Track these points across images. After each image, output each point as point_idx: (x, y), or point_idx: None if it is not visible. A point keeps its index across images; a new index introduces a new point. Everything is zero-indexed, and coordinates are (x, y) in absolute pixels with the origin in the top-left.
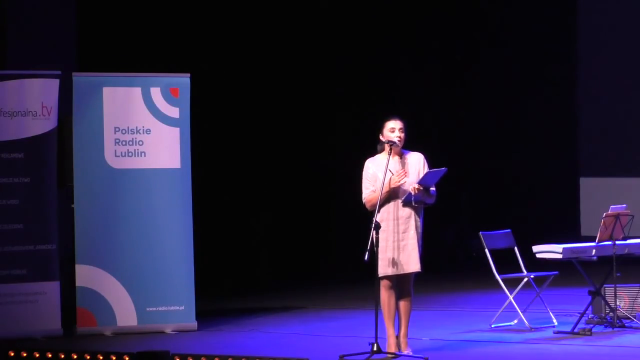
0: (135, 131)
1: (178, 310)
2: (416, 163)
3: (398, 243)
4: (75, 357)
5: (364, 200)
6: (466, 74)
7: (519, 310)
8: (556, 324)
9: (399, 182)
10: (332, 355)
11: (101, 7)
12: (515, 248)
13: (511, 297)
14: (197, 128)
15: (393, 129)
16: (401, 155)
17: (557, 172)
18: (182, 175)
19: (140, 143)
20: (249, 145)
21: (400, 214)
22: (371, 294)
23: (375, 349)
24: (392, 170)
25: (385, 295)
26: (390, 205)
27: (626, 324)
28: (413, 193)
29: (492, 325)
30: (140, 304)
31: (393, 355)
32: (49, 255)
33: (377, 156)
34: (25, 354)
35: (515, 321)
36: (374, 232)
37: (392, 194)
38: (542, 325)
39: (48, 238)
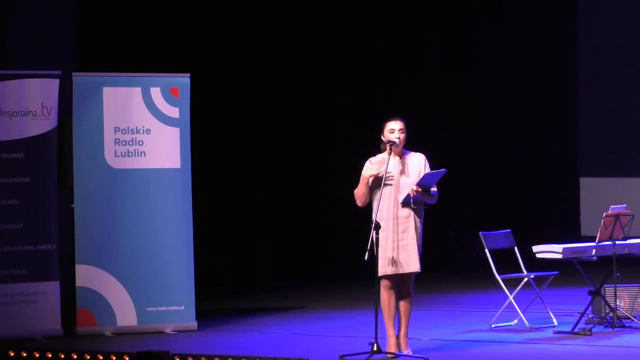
0: (135, 131)
1: (178, 310)
2: (417, 163)
3: (397, 243)
4: (75, 357)
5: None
6: (466, 73)
7: (519, 310)
8: (556, 324)
9: (376, 171)
10: (332, 355)
11: (101, 7)
12: (515, 248)
13: (511, 297)
14: (197, 128)
15: (392, 130)
16: (402, 155)
17: (557, 172)
18: (182, 175)
19: (140, 143)
20: (249, 145)
21: (400, 213)
22: (371, 294)
23: (375, 349)
24: (372, 162)
25: (385, 295)
26: (390, 205)
27: (626, 324)
28: (412, 194)
29: (492, 325)
30: (140, 304)
31: (393, 355)
32: (49, 255)
33: (379, 155)
34: (25, 354)
35: (515, 321)
36: (374, 232)
37: (388, 191)
38: (542, 325)
39: (48, 238)
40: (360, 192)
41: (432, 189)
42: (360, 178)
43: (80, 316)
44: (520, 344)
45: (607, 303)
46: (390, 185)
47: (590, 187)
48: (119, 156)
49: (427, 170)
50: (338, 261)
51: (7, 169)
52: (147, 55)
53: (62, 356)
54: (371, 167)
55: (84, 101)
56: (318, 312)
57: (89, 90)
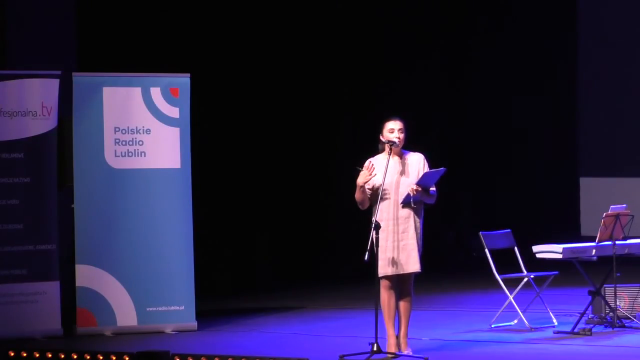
0: (135, 131)
1: (178, 310)
2: (416, 163)
3: (398, 243)
4: (75, 357)
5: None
6: (466, 72)
7: (519, 310)
8: (556, 324)
9: (364, 181)
10: (332, 355)
11: (101, 7)
12: (515, 248)
13: (511, 297)
14: (197, 128)
15: (392, 130)
16: (401, 156)
17: (557, 172)
18: (182, 175)
19: (140, 143)
20: (249, 145)
21: (400, 214)
22: (371, 294)
23: (375, 349)
24: (359, 167)
25: (385, 295)
26: (390, 205)
27: (626, 324)
28: (412, 194)
29: (492, 325)
30: (140, 304)
31: (393, 355)
32: (49, 255)
33: (378, 156)
34: (25, 354)
35: (515, 321)
36: (374, 232)
37: (387, 193)
38: (542, 325)
39: (48, 238)
40: (358, 199)
41: (431, 189)
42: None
43: (80, 316)
44: (520, 344)
45: (607, 303)
46: (386, 194)
47: (590, 187)
48: (119, 156)
49: (426, 169)
50: (338, 261)
51: (7, 169)
52: (147, 55)
53: (62, 356)
54: (362, 174)
55: (84, 101)
56: (318, 312)
57: (89, 90)
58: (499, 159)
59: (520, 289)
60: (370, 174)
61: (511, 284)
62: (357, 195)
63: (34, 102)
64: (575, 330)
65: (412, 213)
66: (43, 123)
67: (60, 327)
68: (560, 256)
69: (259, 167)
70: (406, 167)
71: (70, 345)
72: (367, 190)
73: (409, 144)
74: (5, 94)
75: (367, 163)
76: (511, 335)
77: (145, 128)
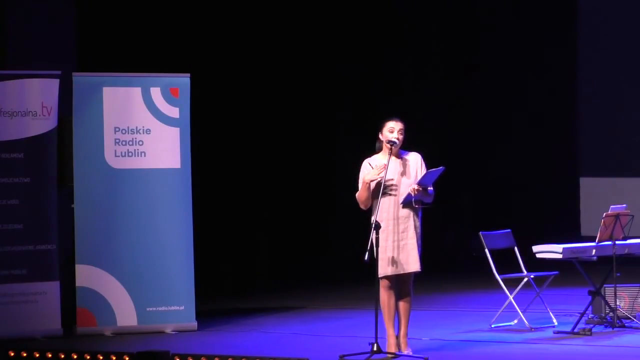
0: (135, 131)
1: (178, 310)
2: (414, 163)
3: (398, 243)
4: (75, 357)
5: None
6: (465, 72)
7: (519, 310)
8: (556, 324)
9: (376, 176)
10: (332, 355)
11: (101, 7)
12: (515, 248)
13: (511, 297)
14: (197, 128)
15: (392, 130)
16: (399, 156)
17: (557, 172)
18: (182, 175)
19: (141, 143)
20: (249, 145)
21: (400, 213)
22: (371, 294)
23: (375, 349)
24: (371, 164)
25: (385, 295)
26: (390, 205)
27: (626, 324)
28: (413, 194)
29: (492, 325)
30: (140, 304)
31: (393, 355)
32: (49, 255)
33: (376, 156)
34: (25, 354)
35: (515, 321)
36: (374, 232)
37: (383, 192)
38: (542, 325)
39: (48, 238)
40: (363, 197)
41: (428, 188)
42: (361, 182)
43: (80, 316)
44: (520, 344)
45: (607, 303)
46: (391, 190)
47: (590, 187)
48: (119, 156)
49: (424, 169)
50: (338, 261)
51: (7, 169)
52: (147, 55)
53: (62, 356)
54: (372, 172)
55: (84, 101)
56: (318, 312)
57: (89, 90)
58: (499, 158)
59: (520, 289)
60: (379, 174)
61: (511, 284)
62: (362, 194)
63: (34, 102)
64: (575, 330)
65: (412, 213)
66: (43, 123)
67: (60, 327)
68: (560, 256)
69: (258, 167)
70: (406, 167)
71: (70, 345)
72: (372, 188)
73: (408, 143)
74: (5, 94)
75: (364, 165)
76: (511, 335)
77: (145, 128)
